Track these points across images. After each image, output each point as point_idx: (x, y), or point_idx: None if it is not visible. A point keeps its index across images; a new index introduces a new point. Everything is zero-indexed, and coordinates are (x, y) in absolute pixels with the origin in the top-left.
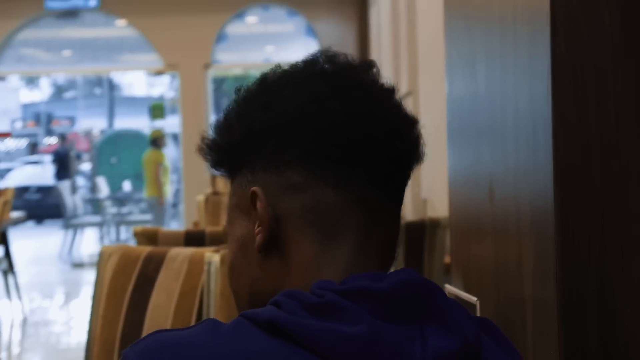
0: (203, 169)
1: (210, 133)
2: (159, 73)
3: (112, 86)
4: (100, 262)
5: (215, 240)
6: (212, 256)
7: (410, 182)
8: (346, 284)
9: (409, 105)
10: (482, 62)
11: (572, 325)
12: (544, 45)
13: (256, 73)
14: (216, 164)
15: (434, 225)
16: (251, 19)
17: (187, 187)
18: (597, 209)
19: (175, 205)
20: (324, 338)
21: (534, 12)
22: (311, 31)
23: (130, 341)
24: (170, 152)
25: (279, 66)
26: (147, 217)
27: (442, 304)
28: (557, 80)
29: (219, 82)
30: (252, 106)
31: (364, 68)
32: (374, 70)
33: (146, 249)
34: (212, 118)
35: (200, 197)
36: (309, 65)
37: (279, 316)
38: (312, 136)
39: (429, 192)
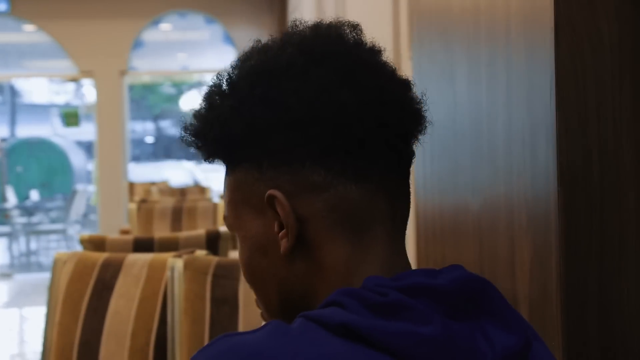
0: (119, 177)
1: (195, 123)
2: (73, 80)
3: (14, 93)
4: (55, 269)
5: (164, 247)
6: (175, 261)
7: None
8: (402, 281)
9: None
10: (462, 69)
11: (574, 319)
12: (547, 56)
13: (172, 80)
14: (210, 155)
15: None
16: (168, 25)
17: (103, 196)
18: (597, 210)
19: (86, 214)
20: (400, 340)
21: (532, 24)
22: (229, 39)
23: (89, 348)
24: (78, 159)
25: (261, 49)
26: (59, 226)
27: (499, 301)
28: (561, 89)
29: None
30: (250, 100)
31: (355, 38)
32: (361, 34)
33: (102, 255)
34: (129, 125)
35: (132, 206)
36: (301, 47)
37: (352, 319)
38: (328, 132)
39: None
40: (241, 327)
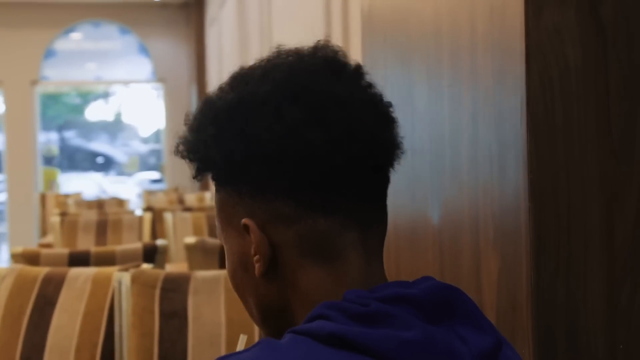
0: (30, 188)
1: (187, 138)
2: None
3: None
4: None
5: (101, 261)
6: (122, 275)
7: None
8: (380, 292)
9: None
10: (422, 88)
11: (544, 328)
12: (518, 80)
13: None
14: (197, 172)
15: None
16: (81, 35)
17: (12, 207)
18: (564, 224)
19: None
20: (386, 344)
21: (501, 49)
22: (144, 49)
23: None
24: None
25: (242, 78)
26: None
27: (470, 306)
28: (531, 111)
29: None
30: (228, 132)
31: (334, 69)
32: (343, 59)
33: (44, 270)
34: (40, 135)
35: (56, 219)
36: (277, 82)
37: (340, 329)
38: (295, 168)
39: None
40: (191, 341)
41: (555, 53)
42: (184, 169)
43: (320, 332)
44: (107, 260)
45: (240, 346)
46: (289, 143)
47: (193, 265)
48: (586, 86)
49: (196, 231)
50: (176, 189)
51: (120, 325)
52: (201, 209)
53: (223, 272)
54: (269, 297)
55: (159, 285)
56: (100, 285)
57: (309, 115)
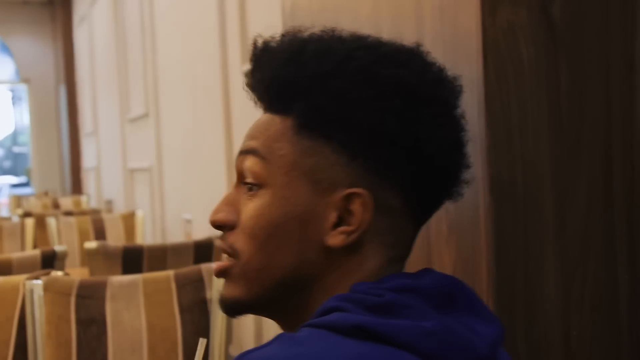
0: None
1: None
2: None
3: None
4: None
5: (23, 267)
6: (34, 284)
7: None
8: (389, 283)
9: (149, 128)
10: None
11: (504, 316)
12: (475, 78)
13: None
14: (312, 115)
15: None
16: None
17: None
18: (521, 216)
19: None
20: (412, 334)
21: (458, 48)
22: (5, 48)
23: None
24: None
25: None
26: None
27: (473, 296)
28: (489, 108)
29: None
30: (413, 105)
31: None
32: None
33: None
34: None
35: None
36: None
37: (364, 320)
38: (436, 176)
39: (193, 213)
40: (111, 348)
41: (510, 51)
42: (52, 172)
43: (342, 325)
44: (3, 269)
45: (200, 350)
46: (451, 152)
47: (94, 271)
48: (539, 83)
49: (82, 236)
50: (46, 193)
51: (34, 336)
52: (82, 213)
53: (141, 277)
54: (310, 267)
55: (73, 292)
56: (7, 295)
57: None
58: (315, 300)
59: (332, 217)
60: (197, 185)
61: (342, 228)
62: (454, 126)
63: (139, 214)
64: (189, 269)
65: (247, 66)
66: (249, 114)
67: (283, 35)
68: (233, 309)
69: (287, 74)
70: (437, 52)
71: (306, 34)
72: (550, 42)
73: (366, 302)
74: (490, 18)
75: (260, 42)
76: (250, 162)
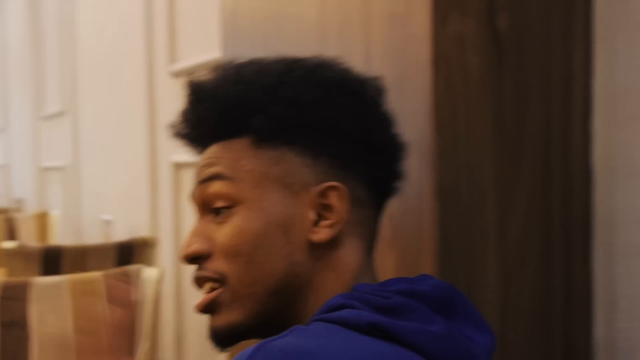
0: None
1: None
2: None
3: None
4: None
5: None
6: None
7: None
8: (392, 286)
9: (65, 125)
10: None
11: None
12: (424, 85)
13: None
14: (270, 120)
15: (143, 244)
16: None
17: None
18: (465, 221)
19: None
20: (420, 337)
21: (406, 55)
22: None
23: None
24: None
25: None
26: None
27: (469, 305)
28: (438, 115)
29: None
30: (339, 102)
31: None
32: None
33: None
34: None
35: None
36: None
37: (379, 319)
38: (391, 163)
39: (114, 214)
40: (34, 350)
41: (458, 60)
42: None
43: (357, 322)
44: None
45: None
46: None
47: (13, 272)
48: (484, 92)
49: None
50: None
51: None
52: None
53: (65, 278)
54: (302, 266)
55: None
56: None
57: (387, 119)
58: (308, 304)
59: (311, 215)
60: (118, 185)
61: (323, 223)
62: (390, 118)
63: (54, 213)
64: (119, 270)
65: (177, 79)
66: (174, 114)
67: (216, 69)
68: (229, 337)
69: (238, 93)
70: (387, 59)
71: (237, 61)
72: (495, 53)
73: (375, 303)
74: (441, 27)
75: (195, 79)
76: (216, 187)
